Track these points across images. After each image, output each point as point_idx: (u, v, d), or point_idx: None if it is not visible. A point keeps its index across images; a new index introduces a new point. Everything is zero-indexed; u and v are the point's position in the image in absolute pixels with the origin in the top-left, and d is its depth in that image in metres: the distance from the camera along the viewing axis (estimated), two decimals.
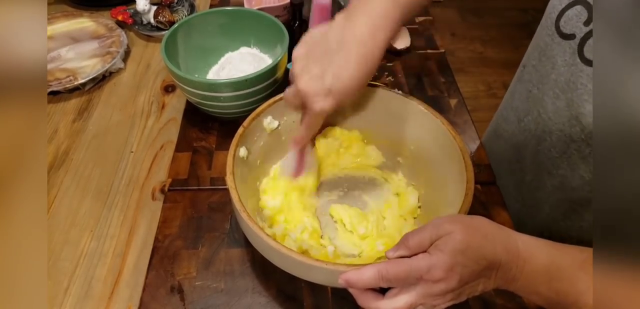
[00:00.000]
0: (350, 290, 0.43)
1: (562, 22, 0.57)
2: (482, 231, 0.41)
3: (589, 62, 0.53)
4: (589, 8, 0.53)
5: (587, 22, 0.53)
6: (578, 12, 0.54)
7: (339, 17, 0.49)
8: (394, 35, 0.50)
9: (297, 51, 0.50)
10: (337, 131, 0.65)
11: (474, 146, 0.76)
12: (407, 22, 0.51)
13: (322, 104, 0.48)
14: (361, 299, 0.43)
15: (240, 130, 0.56)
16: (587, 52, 0.53)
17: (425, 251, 0.40)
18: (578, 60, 0.54)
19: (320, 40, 0.49)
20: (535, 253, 0.41)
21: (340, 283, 0.42)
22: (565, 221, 0.63)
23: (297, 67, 0.49)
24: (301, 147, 0.58)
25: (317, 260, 0.44)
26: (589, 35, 0.53)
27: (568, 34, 0.56)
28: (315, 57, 0.48)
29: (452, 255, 0.38)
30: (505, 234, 0.42)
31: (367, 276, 0.41)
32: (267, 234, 0.46)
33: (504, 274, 0.41)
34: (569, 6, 0.56)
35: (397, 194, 0.64)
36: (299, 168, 0.60)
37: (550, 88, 0.60)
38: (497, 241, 0.41)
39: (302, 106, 0.52)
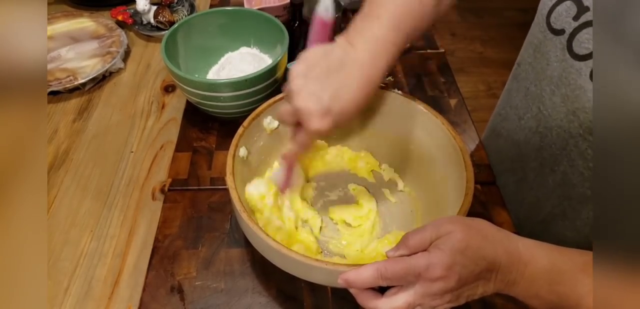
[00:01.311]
0: (350, 289, 0.43)
1: (552, 18, 0.57)
2: (482, 233, 0.41)
3: (578, 57, 0.53)
4: (578, 3, 0.53)
5: (576, 17, 0.53)
6: (567, 8, 0.55)
7: (340, 39, 0.49)
8: (396, 59, 0.49)
9: (296, 68, 0.48)
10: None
11: (474, 146, 0.76)
12: (410, 43, 0.50)
13: (319, 123, 0.46)
14: (360, 298, 0.43)
15: (240, 130, 0.56)
16: (576, 47, 0.53)
17: (425, 250, 0.40)
18: (568, 55, 0.55)
19: (320, 59, 0.47)
20: (536, 256, 0.41)
21: (339, 283, 0.42)
22: (563, 220, 0.63)
23: (295, 84, 0.47)
24: (290, 164, 0.55)
25: (317, 260, 0.44)
26: (577, 30, 0.53)
27: (558, 30, 0.56)
28: (315, 75, 0.47)
29: (451, 254, 0.38)
30: (506, 236, 0.42)
31: (366, 275, 0.41)
32: (267, 235, 0.46)
33: (504, 277, 0.40)
34: (559, 2, 0.56)
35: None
36: (285, 184, 0.57)
37: (547, 84, 0.60)
38: (497, 243, 0.41)
39: (297, 123, 0.50)
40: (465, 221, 0.41)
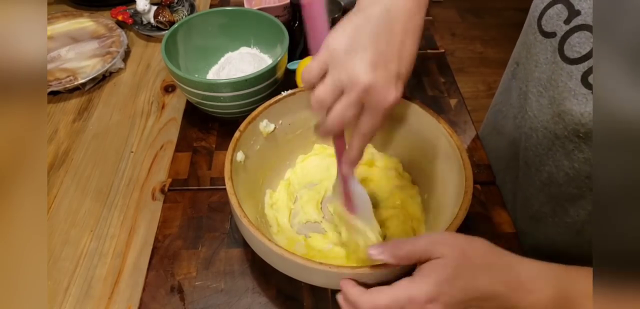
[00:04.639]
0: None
1: (543, 21, 0.57)
2: (479, 261, 0.40)
3: (569, 61, 0.53)
4: (569, 6, 0.54)
5: (567, 21, 0.54)
6: (559, 11, 0.55)
7: None
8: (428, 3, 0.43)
9: (335, 42, 0.40)
10: None
11: (474, 146, 0.76)
12: None
13: (395, 93, 0.39)
14: None
15: (236, 134, 0.56)
16: (567, 51, 0.54)
17: (414, 265, 0.40)
18: (559, 58, 0.55)
19: (364, 24, 0.40)
20: (540, 284, 0.40)
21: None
22: (553, 217, 0.64)
23: (340, 60, 0.39)
24: (346, 177, 0.48)
25: (319, 263, 0.44)
26: (569, 33, 0.53)
27: (549, 32, 0.56)
28: (364, 44, 0.39)
29: (437, 285, 0.38)
30: (506, 265, 0.40)
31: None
32: (269, 240, 0.46)
33: (502, 303, 0.39)
34: (550, 5, 0.56)
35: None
36: (348, 201, 0.50)
37: (534, 86, 0.61)
38: (495, 272, 0.39)
39: (340, 134, 0.45)
40: (462, 245, 0.40)
